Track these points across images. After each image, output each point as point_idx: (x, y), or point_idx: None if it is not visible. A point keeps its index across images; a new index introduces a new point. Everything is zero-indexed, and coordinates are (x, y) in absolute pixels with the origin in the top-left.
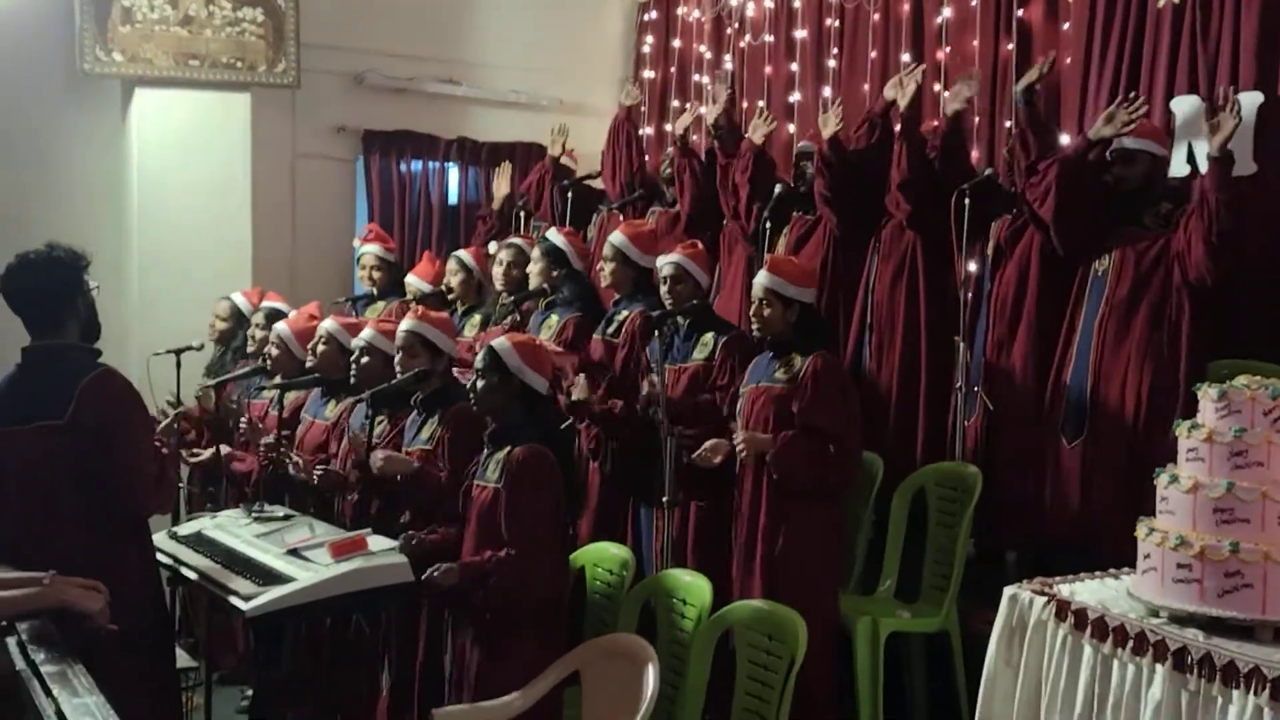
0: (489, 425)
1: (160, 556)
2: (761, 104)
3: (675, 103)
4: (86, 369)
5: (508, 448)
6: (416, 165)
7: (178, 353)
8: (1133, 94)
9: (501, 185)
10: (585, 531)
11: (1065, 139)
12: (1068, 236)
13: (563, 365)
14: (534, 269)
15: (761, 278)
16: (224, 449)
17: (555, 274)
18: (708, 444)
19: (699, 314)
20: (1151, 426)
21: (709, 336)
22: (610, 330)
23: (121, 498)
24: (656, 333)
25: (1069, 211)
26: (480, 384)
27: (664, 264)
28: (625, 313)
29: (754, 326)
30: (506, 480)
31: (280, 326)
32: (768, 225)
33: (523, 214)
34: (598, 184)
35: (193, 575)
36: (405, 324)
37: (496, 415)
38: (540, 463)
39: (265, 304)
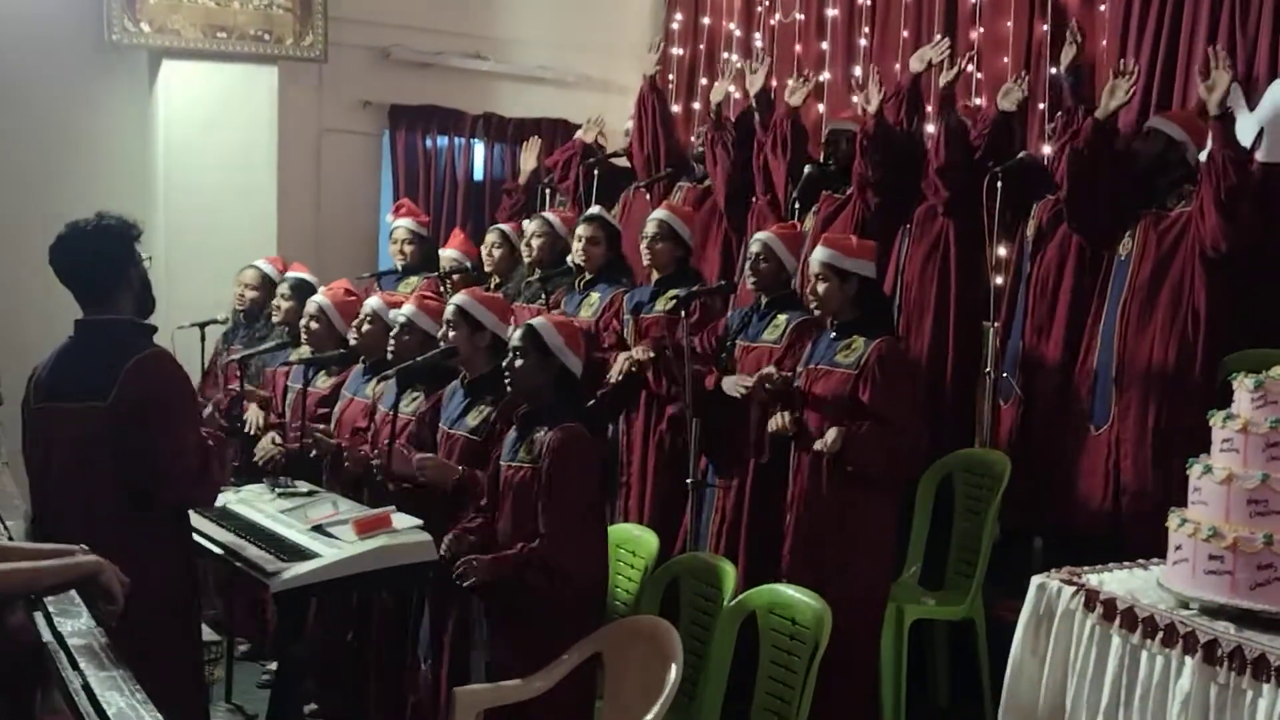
0: (521, 405)
1: None
2: (794, 79)
3: (704, 80)
4: (136, 349)
5: (542, 429)
6: (442, 141)
7: (202, 326)
8: (1123, 60)
9: (529, 160)
10: (636, 509)
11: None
12: (1081, 221)
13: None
14: (578, 246)
15: (817, 252)
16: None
17: (610, 255)
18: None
19: (783, 295)
20: (1177, 410)
21: (782, 318)
22: (661, 308)
23: (159, 488)
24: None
25: (1080, 197)
26: (518, 363)
27: (754, 240)
28: (673, 291)
29: (811, 305)
30: (547, 463)
31: (322, 299)
32: (797, 205)
33: (548, 191)
34: (622, 162)
35: (217, 550)
36: (455, 299)
37: (531, 396)
38: (580, 444)
39: (291, 274)
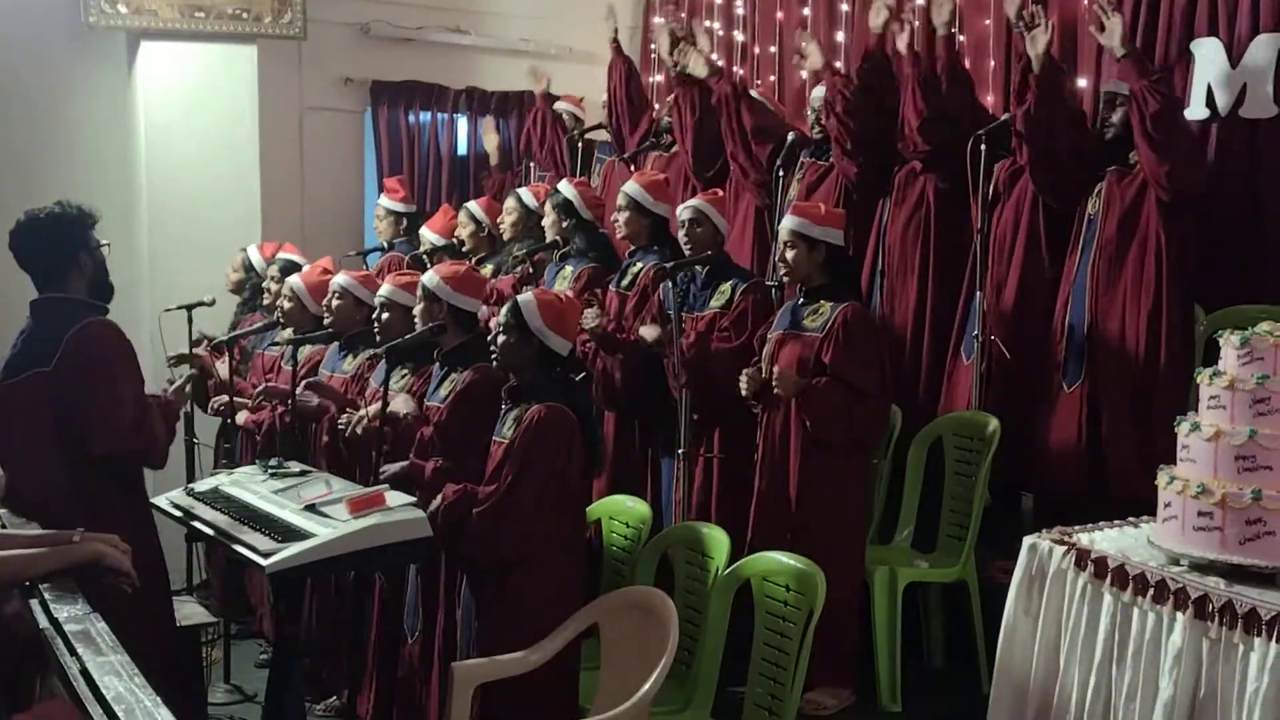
0: (508, 380)
1: (176, 512)
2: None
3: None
4: (77, 320)
5: (526, 404)
6: (425, 116)
7: (189, 308)
8: (1034, 7)
9: (489, 139)
10: (603, 485)
11: (1082, 83)
12: (1043, 182)
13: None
14: (546, 221)
15: (786, 220)
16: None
17: (565, 225)
18: (744, 373)
19: (718, 261)
20: (1149, 365)
21: (727, 285)
22: (625, 283)
23: (95, 440)
24: (669, 282)
25: (1039, 157)
26: (501, 339)
27: (683, 209)
28: (640, 264)
29: (781, 272)
30: (519, 434)
31: (293, 280)
32: (780, 173)
33: (533, 165)
34: (602, 135)
35: (210, 531)
36: (425, 278)
37: (516, 371)
38: (559, 422)
39: (280, 256)
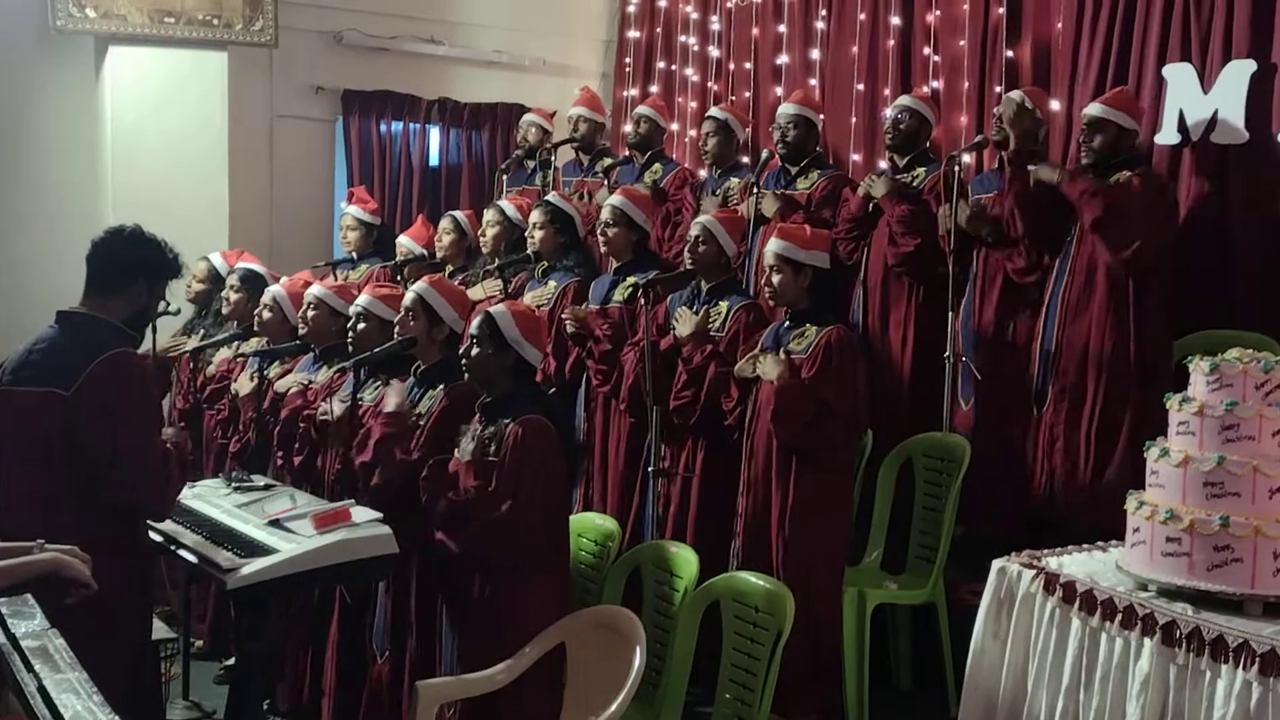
0: (484, 396)
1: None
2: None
3: (661, 64)
4: (107, 346)
5: (505, 421)
6: (397, 126)
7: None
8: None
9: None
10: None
11: (1055, 105)
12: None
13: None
14: (538, 234)
15: (771, 244)
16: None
17: (562, 240)
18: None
19: (723, 281)
20: (1113, 393)
21: (724, 304)
22: (619, 297)
23: (116, 486)
24: (645, 300)
25: (1038, 229)
26: (474, 352)
27: (693, 225)
28: (632, 279)
29: (766, 296)
30: (507, 451)
31: (277, 289)
32: (756, 192)
33: (504, 177)
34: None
35: (171, 545)
36: (415, 287)
37: (488, 385)
38: (541, 434)
39: (239, 265)
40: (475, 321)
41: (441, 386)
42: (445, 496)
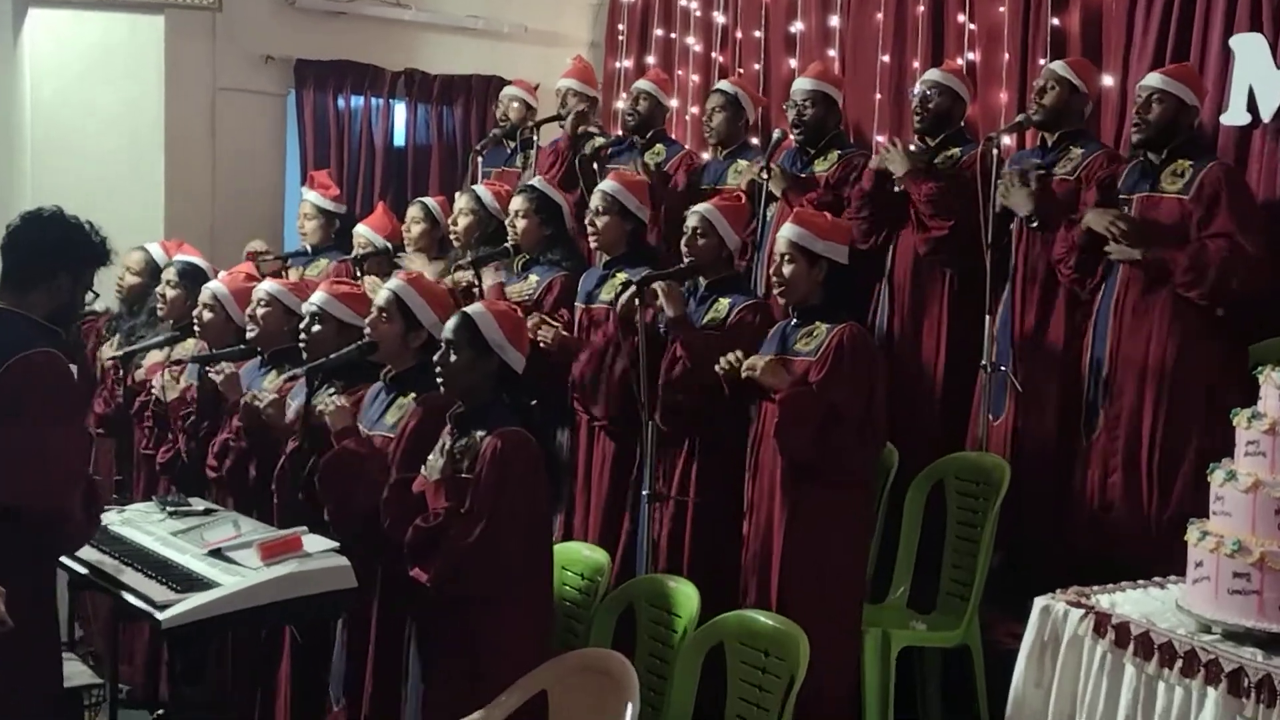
0: (454, 405)
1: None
2: None
3: (659, 31)
4: (25, 345)
5: (480, 434)
6: (357, 101)
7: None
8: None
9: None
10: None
11: (1108, 81)
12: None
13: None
14: (520, 225)
15: (786, 230)
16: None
17: (547, 231)
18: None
19: (725, 277)
20: (1178, 418)
21: (724, 303)
22: (606, 297)
23: (39, 525)
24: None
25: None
26: (452, 358)
27: (690, 214)
28: (622, 276)
29: (775, 289)
30: (484, 466)
31: (217, 286)
32: (765, 176)
33: (479, 158)
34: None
35: (97, 579)
36: (391, 284)
37: (466, 395)
38: (523, 450)
39: (178, 258)
40: (451, 324)
41: (412, 395)
42: (411, 523)
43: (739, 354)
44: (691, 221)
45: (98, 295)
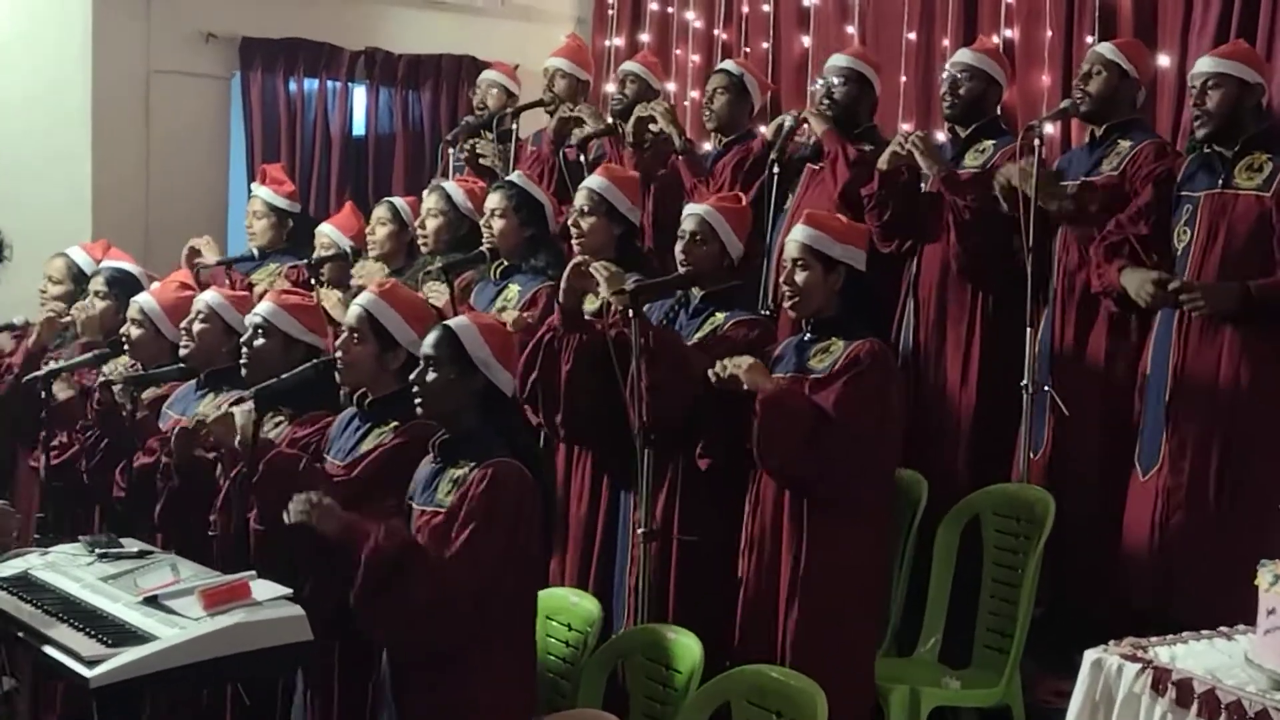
0: (440, 433)
1: None
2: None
3: (654, 5)
4: None
5: (469, 464)
6: (311, 84)
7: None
8: None
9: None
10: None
11: (1164, 62)
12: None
13: None
14: (497, 225)
15: (798, 232)
16: None
17: (528, 233)
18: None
19: (724, 289)
20: (1251, 451)
21: (721, 317)
22: (592, 309)
23: None
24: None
25: None
26: (431, 377)
27: (687, 216)
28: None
29: (786, 299)
30: (469, 506)
31: (145, 299)
32: (775, 170)
33: (450, 150)
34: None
35: (17, 631)
36: (362, 299)
37: (449, 420)
38: (515, 483)
39: (106, 264)
40: (430, 338)
41: (394, 424)
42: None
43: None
44: (689, 225)
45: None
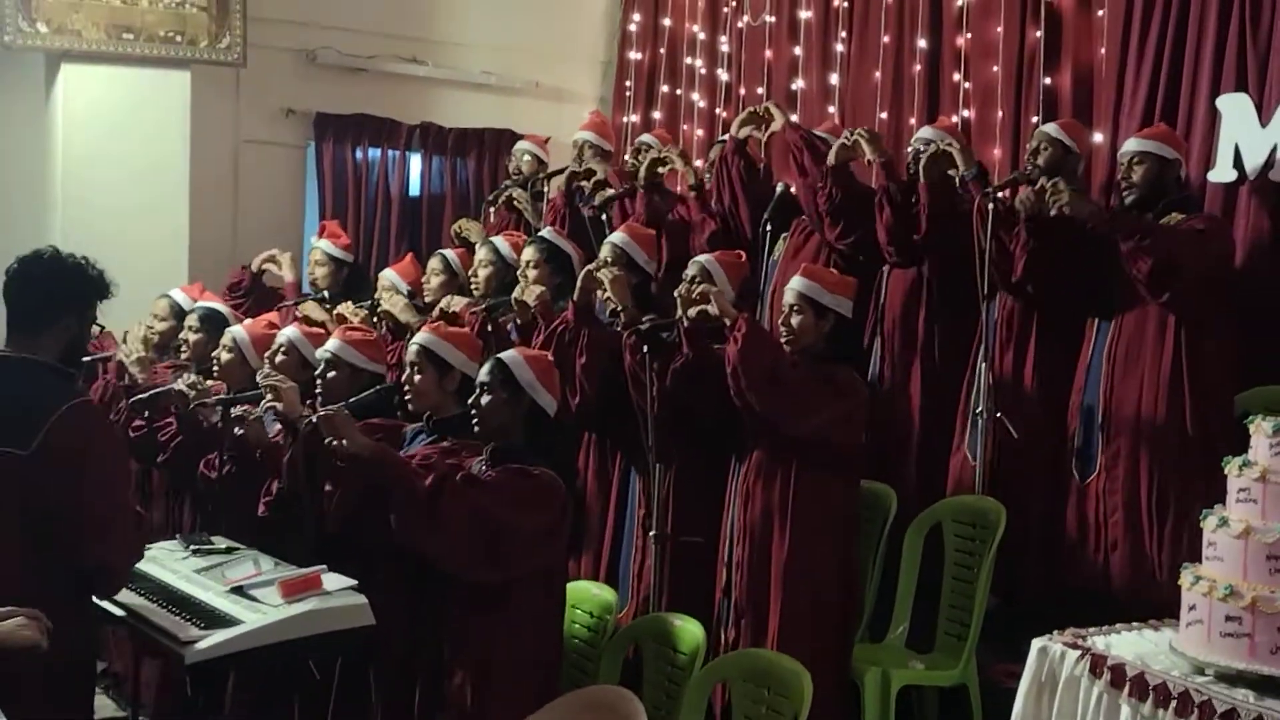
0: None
1: None
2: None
3: (664, 87)
4: (63, 396)
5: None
6: (375, 152)
7: (102, 360)
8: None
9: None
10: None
11: (1098, 138)
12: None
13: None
14: (532, 275)
15: (795, 282)
16: None
17: (558, 281)
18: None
19: (719, 328)
20: (1171, 460)
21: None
22: None
23: (89, 550)
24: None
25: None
26: (485, 399)
27: (691, 264)
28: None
29: (782, 338)
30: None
31: (237, 331)
32: (768, 229)
33: (491, 209)
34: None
35: (123, 614)
36: (419, 337)
37: (498, 435)
38: (550, 486)
39: (199, 304)
40: (485, 368)
41: (448, 441)
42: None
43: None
44: (692, 270)
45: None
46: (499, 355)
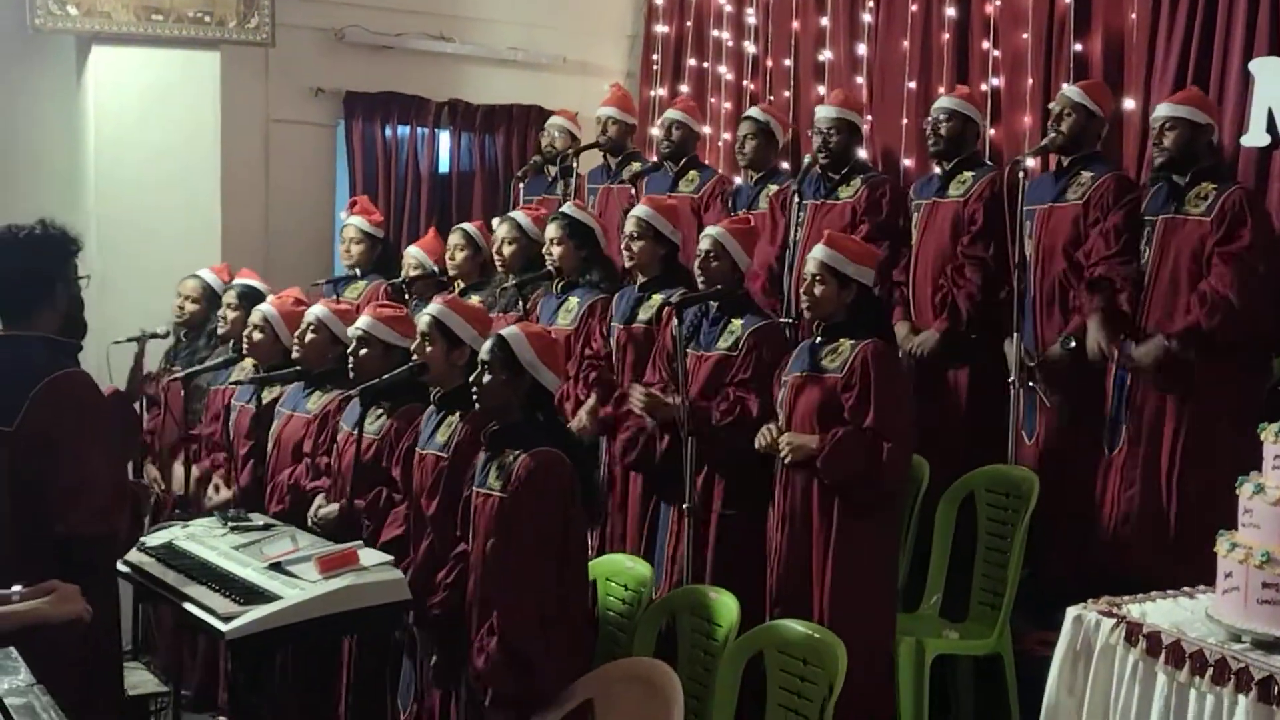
0: (491, 424)
1: (124, 568)
2: None
3: (691, 61)
4: (48, 370)
5: (515, 452)
6: (404, 130)
7: (140, 339)
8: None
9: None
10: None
11: (1130, 104)
12: None
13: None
14: (556, 251)
15: (817, 252)
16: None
17: (583, 254)
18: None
19: (731, 297)
20: (1201, 432)
21: (737, 324)
22: (645, 317)
23: (61, 519)
24: (675, 319)
25: None
26: (486, 378)
27: (703, 237)
28: (659, 297)
29: (804, 306)
30: (511, 491)
31: (267, 308)
32: (797, 199)
33: (520, 185)
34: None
35: (162, 592)
36: (430, 309)
37: (500, 414)
38: (552, 472)
39: (238, 281)
40: (486, 345)
41: (458, 414)
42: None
43: (773, 429)
44: (704, 245)
45: (168, 333)
46: (500, 332)
